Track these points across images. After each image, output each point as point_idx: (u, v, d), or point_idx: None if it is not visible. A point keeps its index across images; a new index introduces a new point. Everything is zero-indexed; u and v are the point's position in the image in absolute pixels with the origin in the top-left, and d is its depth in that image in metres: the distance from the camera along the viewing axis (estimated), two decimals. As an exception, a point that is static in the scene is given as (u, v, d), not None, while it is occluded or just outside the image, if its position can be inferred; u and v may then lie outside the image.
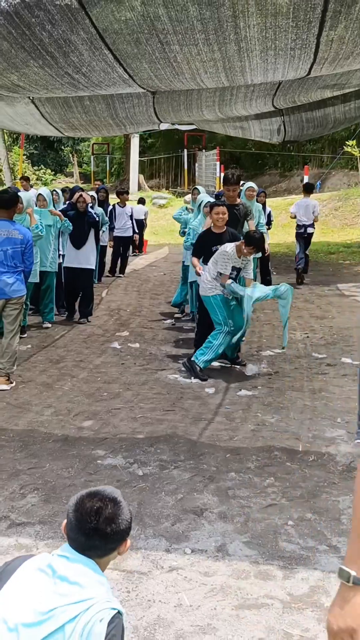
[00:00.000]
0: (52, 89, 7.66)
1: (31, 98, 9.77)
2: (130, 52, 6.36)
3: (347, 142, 21.99)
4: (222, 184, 11.98)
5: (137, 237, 15.04)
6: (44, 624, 2.04)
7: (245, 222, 8.81)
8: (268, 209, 12.82)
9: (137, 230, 14.99)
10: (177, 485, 4.70)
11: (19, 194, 8.90)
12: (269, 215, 12.90)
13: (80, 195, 10.04)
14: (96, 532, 2.17)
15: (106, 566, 2.25)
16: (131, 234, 14.33)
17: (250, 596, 3.45)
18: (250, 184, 11.43)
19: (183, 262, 10.54)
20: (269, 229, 12.70)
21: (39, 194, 9.69)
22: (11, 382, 6.84)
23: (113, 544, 2.21)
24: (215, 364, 7.77)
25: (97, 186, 14.73)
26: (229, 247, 7.37)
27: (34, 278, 8.76)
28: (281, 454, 5.29)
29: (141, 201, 19.03)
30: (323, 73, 7.18)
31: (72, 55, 6.47)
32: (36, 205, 9.34)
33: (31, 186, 16.13)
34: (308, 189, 14.01)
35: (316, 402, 6.53)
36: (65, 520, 2.24)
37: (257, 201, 11.59)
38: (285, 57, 6.34)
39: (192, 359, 7.36)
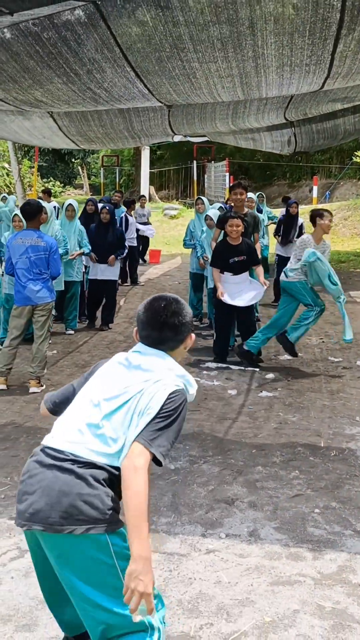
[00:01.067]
0: (74, 103, 7.94)
1: (50, 112, 10.08)
2: (152, 70, 6.64)
3: (355, 153, 22.28)
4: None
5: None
6: (120, 396, 2.56)
7: (252, 235, 8.85)
8: (300, 220, 12.18)
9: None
10: (207, 478, 4.98)
11: (46, 205, 9.24)
12: (301, 228, 12.15)
13: (104, 208, 10.32)
14: (166, 325, 2.68)
15: (178, 359, 2.74)
16: (136, 243, 14.82)
17: (284, 574, 3.72)
18: (250, 195, 11.18)
19: (190, 271, 10.75)
20: None
21: (69, 204, 9.92)
22: (42, 385, 7.14)
23: (181, 335, 2.72)
24: (235, 367, 8.06)
25: (117, 197, 14.97)
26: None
27: (59, 286, 9.09)
28: (304, 449, 5.57)
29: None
30: (336, 87, 7.45)
31: (96, 73, 6.74)
32: (59, 216, 9.69)
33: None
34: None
35: (335, 402, 6.81)
36: (135, 328, 2.76)
37: (290, 212, 11.73)
38: (301, 73, 6.60)
39: (245, 347, 8.03)
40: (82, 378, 2.83)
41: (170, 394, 2.52)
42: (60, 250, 9.04)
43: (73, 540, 2.39)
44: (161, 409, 2.47)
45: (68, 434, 2.55)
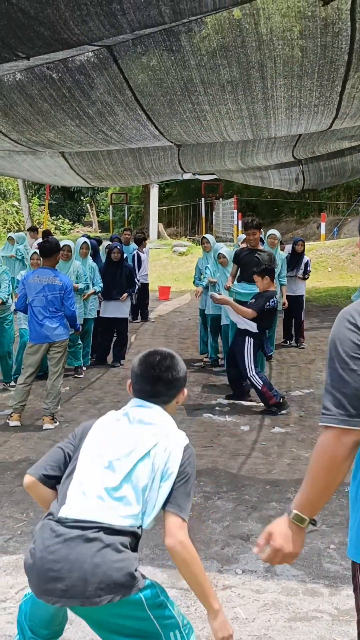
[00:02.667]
0: (86, 144, 8.09)
1: (61, 151, 10.26)
2: (163, 112, 6.76)
3: (362, 189, 22.47)
4: (242, 229, 12.18)
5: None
6: (132, 453, 2.57)
7: None
8: (306, 258, 11.84)
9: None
10: (222, 514, 4.99)
11: (68, 242, 9.43)
12: (307, 265, 11.70)
13: (116, 247, 10.45)
14: (160, 379, 2.73)
15: (170, 413, 2.78)
16: (148, 280, 14.91)
17: (301, 610, 3.72)
18: (273, 231, 11.14)
19: (200, 308, 10.77)
20: (305, 278, 11.61)
21: (84, 242, 9.99)
22: (55, 422, 7.19)
23: (174, 390, 2.78)
24: (246, 403, 8.09)
25: (127, 235, 15.03)
26: None
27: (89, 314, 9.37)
28: (318, 485, 5.56)
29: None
30: (344, 126, 7.57)
31: (108, 115, 6.87)
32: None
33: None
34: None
35: (347, 437, 6.80)
36: (129, 380, 2.79)
37: (296, 250, 11.57)
38: (309, 113, 6.72)
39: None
40: (71, 441, 2.75)
41: (184, 450, 2.62)
42: (81, 285, 9.18)
43: (111, 606, 2.41)
44: (180, 467, 2.56)
45: (88, 503, 2.52)
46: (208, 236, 11.04)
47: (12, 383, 8.53)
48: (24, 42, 4.82)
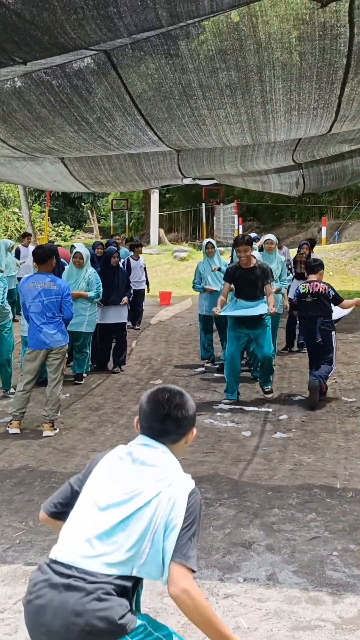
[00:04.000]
0: (85, 150, 8.06)
1: (61, 157, 10.23)
2: (162, 117, 6.73)
3: (363, 193, 22.47)
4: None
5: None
6: (132, 500, 2.47)
7: (264, 286, 8.22)
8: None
9: (148, 282, 15.11)
10: (223, 521, 4.94)
11: (80, 249, 9.36)
12: None
13: (115, 252, 10.40)
14: (169, 417, 2.64)
15: (177, 454, 2.66)
16: (144, 286, 14.61)
17: (304, 619, 3.67)
18: (269, 236, 10.87)
19: (199, 313, 10.64)
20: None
21: (77, 252, 9.58)
22: (55, 429, 7.14)
23: (183, 429, 2.67)
24: (248, 408, 8.04)
25: (117, 239, 14.91)
26: None
27: (90, 328, 9.34)
28: (320, 491, 5.52)
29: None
30: (343, 130, 7.54)
31: (106, 121, 6.84)
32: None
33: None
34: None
35: (350, 442, 6.77)
36: (137, 417, 2.70)
37: (300, 253, 11.51)
38: (309, 117, 6.69)
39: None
40: (80, 476, 2.71)
41: (189, 497, 2.49)
42: (91, 294, 9.08)
43: None
44: (185, 517, 2.44)
45: (77, 547, 2.45)
46: (213, 241, 10.93)
47: (12, 390, 8.48)
48: (21, 47, 4.80)
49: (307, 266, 8.88)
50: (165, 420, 2.63)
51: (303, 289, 8.49)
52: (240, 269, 8.24)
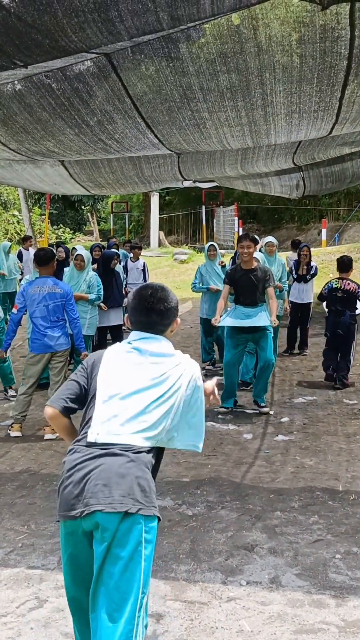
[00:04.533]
0: (85, 153, 8.05)
1: (61, 160, 10.23)
2: (162, 120, 6.73)
3: (363, 195, 22.46)
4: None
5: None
6: (163, 383, 2.87)
7: (265, 290, 8.01)
8: (313, 264, 11.79)
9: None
10: (226, 524, 4.93)
11: (82, 252, 9.38)
12: (315, 269, 11.78)
13: (116, 255, 10.38)
14: (153, 310, 3.00)
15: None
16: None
17: (307, 622, 3.66)
18: (270, 238, 10.79)
19: (200, 316, 10.54)
20: (308, 280, 11.63)
21: (78, 254, 9.50)
22: (56, 432, 7.12)
23: (167, 319, 3.04)
24: (249, 410, 8.04)
25: (114, 240, 14.80)
26: None
27: (91, 331, 9.29)
28: (323, 493, 5.52)
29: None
30: (344, 132, 7.55)
31: (107, 124, 6.84)
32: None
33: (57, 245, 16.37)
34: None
35: (351, 445, 6.76)
36: (126, 315, 3.06)
37: (300, 255, 11.49)
38: (309, 119, 6.70)
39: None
40: (83, 373, 3.01)
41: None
42: (92, 296, 9.07)
43: (125, 520, 2.63)
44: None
45: (112, 426, 2.76)
46: (216, 244, 10.82)
47: (13, 392, 8.50)
48: (22, 50, 4.80)
49: (341, 264, 9.72)
50: (149, 314, 2.99)
51: (336, 284, 9.48)
52: (241, 270, 8.07)
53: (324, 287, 9.76)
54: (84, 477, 2.68)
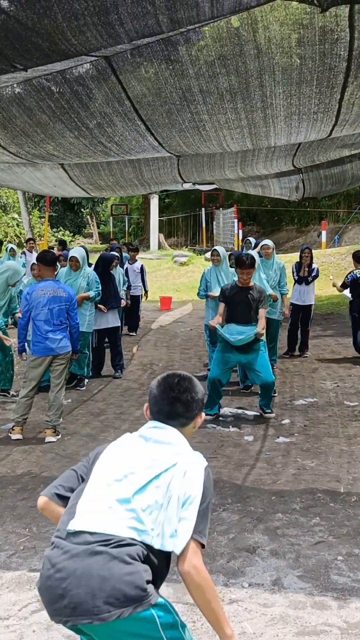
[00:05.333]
0: (85, 156, 8.06)
1: (61, 163, 10.24)
2: (162, 122, 6.74)
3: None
4: (240, 247, 11.73)
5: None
6: (150, 469, 2.55)
7: (258, 310, 7.82)
8: (315, 266, 11.76)
9: (147, 288, 14.63)
10: (227, 526, 4.93)
11: (75, 253, 9.49)
12: (316, 271, 11.71)
13: (115, 258, 10.39)
14: (178, 400, 2.74)
15: (187, 438, 2.72)
16: (140, 292, 14.14)
17: (309, 624, 3.66)
18: (266, 241, 10.72)
19: (206, 324, 10.08)
20: (310, 282, 11.57)
21: (72, 256, 9.58)
22: (58, 435, 7.13)
23: (192, 412, 2.76)
24: (250, 412, 8.04)
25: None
26: None
27: (88, 327, 9.36)
28: (324, 495, 5.52)
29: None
30: (343, 134, 7.55)
31: (107, 127, 6.84)
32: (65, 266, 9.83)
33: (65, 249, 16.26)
34: None
35: (353, 447, 6.76)
36: (146, 404, 2.79)
37: (302, 257, 11.48)
38: (309, 121, 6.70)
39: None
40: (85, 463, 2.75)
41: (205, 471, 2.56)
42: (92, 293, 9.16)
43: (121, 623, 2.32)
44: (202, 491, 2.49)
45: (95, 513, 2.48)
46: (219, 248, 10.28)
47: (13, 393, 8.53)
48: (22, 54, 4.81)
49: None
50: (174, 403, 2.72)
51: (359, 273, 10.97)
52: (236, 287, 7.89)
53: (346, 276, 11.40)
54: (64, 580, 2.36)
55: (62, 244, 15.05)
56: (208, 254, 26.28)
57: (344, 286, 11.35)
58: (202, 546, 2.43)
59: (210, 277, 9.98)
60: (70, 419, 7.94)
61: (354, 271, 11.13)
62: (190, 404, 2.74)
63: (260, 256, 9.97)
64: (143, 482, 2.51)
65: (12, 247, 15.60)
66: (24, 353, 7.39)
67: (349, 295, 11.23)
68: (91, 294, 9.34)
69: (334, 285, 12.02)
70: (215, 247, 10.29)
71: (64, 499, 2.67)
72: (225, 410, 8.11)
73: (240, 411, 8.14)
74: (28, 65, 5.21)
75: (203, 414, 2.83)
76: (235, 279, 8.31)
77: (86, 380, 9.72)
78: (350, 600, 3.90)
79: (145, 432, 2.71)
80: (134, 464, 2.57)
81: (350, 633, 3.56)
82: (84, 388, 9.46)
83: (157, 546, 2.44)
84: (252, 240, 11.79)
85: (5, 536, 4.86)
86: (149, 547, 2.43)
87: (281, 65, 5.55)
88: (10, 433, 7.20)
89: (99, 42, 4.71)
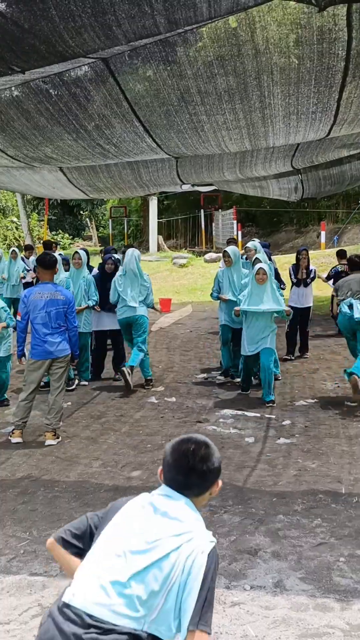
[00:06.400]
0: (83, 159, 8.04)
1: (59, 167, 10.23)
2: (160, 123, 6.72)
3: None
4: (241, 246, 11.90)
5: None
6: (151, 551, 2.35)
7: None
8: (312, 267, 11.88)
9: None
10: (229, 528, 4.91)
11: (79, 251, 9.92)
12: (314, 273, 11.83)
13: (110, 258, 10.39)
14: (193, 471, 2.47)
15: (200, 506, 2.52)
16: None
17: (312, 626, 3.64)
18: (249, 243, 10.91)
19: (220, 324, 10.16)
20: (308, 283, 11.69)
21: (76, 253, 9.98)
22: (58, 437, 7.11)
23: (208, 482, 2.51)
24: (250, 414, 8.02)
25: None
26: None
27: (85, 327, 9.55)
28: (325, 496, 5.50)
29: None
30: (342, 133, 7.53)
31: (105, 128, 6.83)
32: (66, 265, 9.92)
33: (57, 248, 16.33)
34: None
35: (354, 447, 6.74)
36: (160, 467, 2.55)
37: (299, 259, 11.45)
38: (307, 121, 6.68)
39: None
40: (99, 515, 2.61)
41: (208, 558, 2.34)
42: (91, 303, 9.71)
43: None
44: (203, 579, 2.30)
45: (91, 592, 2.33)
46: (230, 249, 10.06)
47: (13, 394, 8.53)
48: (19, 56, 4.79)
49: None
50: (189, 474, 2.48)
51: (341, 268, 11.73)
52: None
53: (330, 270, 13.16)
54: None
55: (47, 246, 14.95)
56: (208, 256, 26.43)
57: (328, 278, 13.16)
58: (209, 634, 2.26)
59: (222, 279, 9.95)
60: (70, 421, 7.92)
61: (337, 266, 13.32)
62: (206, 474, 2.50)
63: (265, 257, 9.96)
64: (141, 566, 2.34)
65: (13, 250, 15.58)
66: (22, 358, 7.37)
67: (332, 285, 11.86)
68: (90, 303, 9.72)
69: (319, 277, 12.74)
70: (225, 249, 10.09)
71: (68, 544, 2.59)
72: (225, 412, 8.10)
73: (240, 413, 8.11)
74: (26, 68, 5.19)
75: (220, 482, 2.60)
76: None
77: (77, 382, 9.69)
78: (352, 602, 3.89)
79: (156, 501, 2.51)
80: (137, 542, 2.39)
81: (353, 635, 3.54)
82: (73, 387, 9.40)
83: (151, 632, 2.33)
84: (252, 245, 11.48)
85: (6, 540, 4.84)
86: (141, 633, 2.31)
87: (279, 65, 5.54)
88: (10, 437, 7.18)
89: (97, 44, 4.69)
